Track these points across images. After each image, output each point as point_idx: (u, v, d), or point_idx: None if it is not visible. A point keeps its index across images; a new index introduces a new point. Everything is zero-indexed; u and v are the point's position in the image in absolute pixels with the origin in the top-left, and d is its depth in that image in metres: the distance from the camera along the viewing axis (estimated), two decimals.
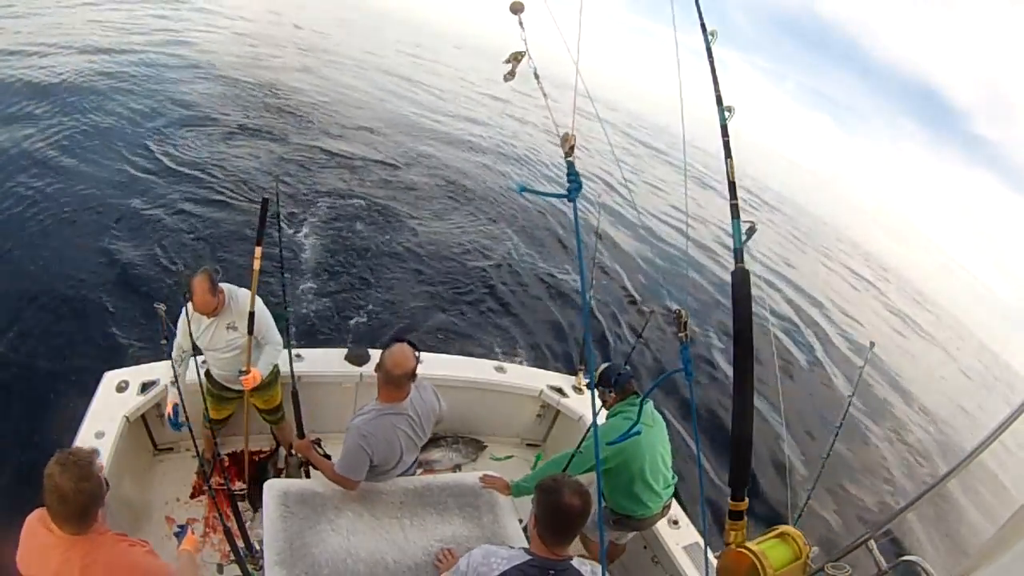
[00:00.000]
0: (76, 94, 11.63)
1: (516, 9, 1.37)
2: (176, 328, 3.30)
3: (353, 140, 13.56)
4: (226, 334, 3.34)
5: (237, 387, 3.50)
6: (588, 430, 3.60)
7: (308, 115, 14.30)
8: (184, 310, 3.23)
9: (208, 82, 14.67)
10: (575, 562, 2.05)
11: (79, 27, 16.12)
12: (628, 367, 3.25)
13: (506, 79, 1.40)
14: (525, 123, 21.64)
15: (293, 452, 3.77)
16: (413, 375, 2.73)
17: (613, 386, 3.15)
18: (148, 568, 1.88)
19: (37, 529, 1.80)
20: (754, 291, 1.58)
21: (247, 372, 3.30)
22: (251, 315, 3.24)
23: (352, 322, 6.94)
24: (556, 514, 1.99)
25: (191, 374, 3.32)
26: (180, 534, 2.23)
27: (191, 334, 3.21)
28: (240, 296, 3.34)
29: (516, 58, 1.38)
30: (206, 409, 3.50)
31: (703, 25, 1.81)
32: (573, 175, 1.37)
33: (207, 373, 3.52)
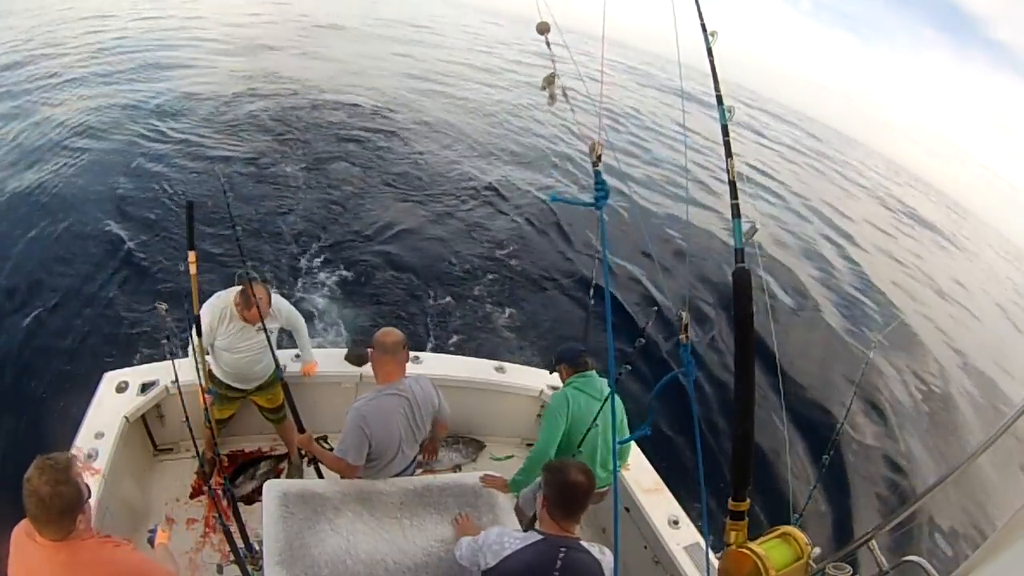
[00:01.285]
0: (75, 93, 11.66)
1: (542, 29, 1.43)
2: (192, 328, 3.27)
3: (356, 126, 13.52)
4: (253, 336, 3.44)
5: (241, 386, 3.55)
6: (588, 430, 3.59)
7: (306, 101, 14.29)
8: (221, 311, 3.29)
9: (211, 74, 14.67)
10: (584, 543, 2.16)
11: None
12: (629, 366, 3.27)
13: (549, 103, 1.46)
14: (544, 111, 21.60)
15: (303, 453, 3.78)
16: (405, 346, 2.91)
17: (569, 361, 3.27)
18: (133, 565, 1.92)
19: (23, 540, 1.83)
20: (760, 279, 1.60)
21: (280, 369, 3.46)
22: (197, 318, 3.18)
23: (348, 321, 6.93)
24: (564, 490, 2.12)
25: (191, 375, 3.31)
26: (151, 537, 2.31)
27: (215, 333, 3.29)
28: (274, 300, 3.48)
29: (551, 81, 1.44)
30: (206, 409, 3.50)
31: (703, 26, 1.81)
32: (600, 183, 1.42)
33: (209, 373, 3.52)
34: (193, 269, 3.13)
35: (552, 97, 1.43)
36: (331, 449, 3.23)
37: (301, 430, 3.19)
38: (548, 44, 1.44)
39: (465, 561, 2.36)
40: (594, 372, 3.23)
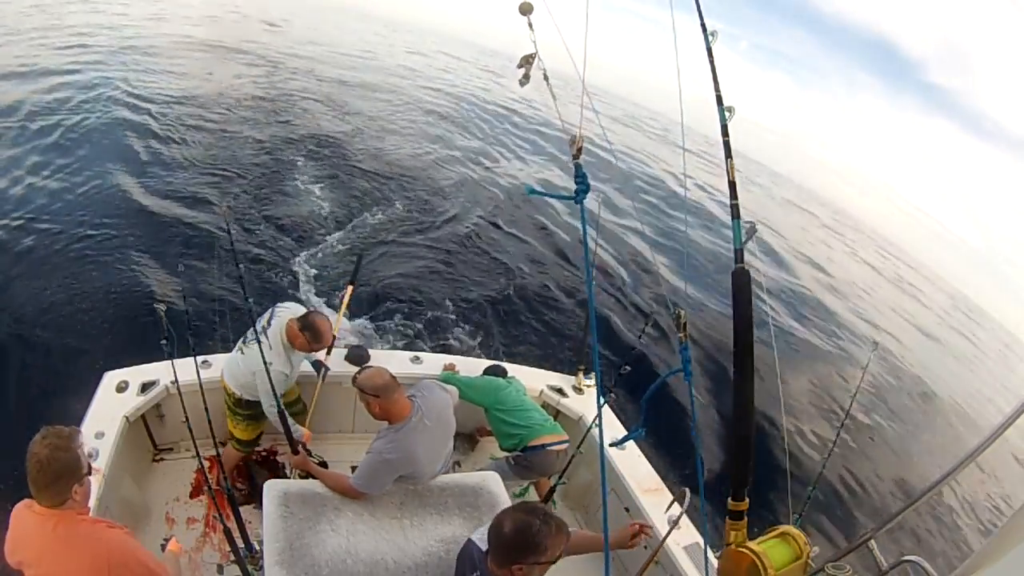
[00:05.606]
0: (76, 95, 11.66)
1: (525, 10, 1.37)
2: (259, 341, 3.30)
3: (347, 137, 13.55)
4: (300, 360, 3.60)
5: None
6: (588, 430, 3.60)
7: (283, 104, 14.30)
8: (284, 349, 3.34)
9: (205, 93, 14.68)
10: None
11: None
12: (627, 366, 3.31)
13: (521, 83, 1.40)
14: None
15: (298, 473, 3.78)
16: (395, 381, 2.82)
17: (491, 373, 4.03)
18: (123, 546, 1.93)
19: (21, 513, 1.87)
20: (756, 280, 1.59)
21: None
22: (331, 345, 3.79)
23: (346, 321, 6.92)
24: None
25: (191, 375, 3.29)
26: (163, 545, 2.34)
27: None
28: None
29: (528, 61, 1.38)
30: (207, 409, 3.51)
31: (703, 26, 1.81)
32: (581, 177, 1.37)
33: (230, 393, 3.47)
34: (347, 299, 4.00)
35: (526, 77, 1.38)
36: (322, 463, 3.25)
37: (295, 452, 3.16)
38: (531, 26, 1.39)
39: None
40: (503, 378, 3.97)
